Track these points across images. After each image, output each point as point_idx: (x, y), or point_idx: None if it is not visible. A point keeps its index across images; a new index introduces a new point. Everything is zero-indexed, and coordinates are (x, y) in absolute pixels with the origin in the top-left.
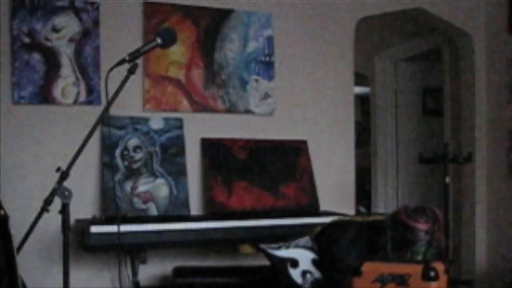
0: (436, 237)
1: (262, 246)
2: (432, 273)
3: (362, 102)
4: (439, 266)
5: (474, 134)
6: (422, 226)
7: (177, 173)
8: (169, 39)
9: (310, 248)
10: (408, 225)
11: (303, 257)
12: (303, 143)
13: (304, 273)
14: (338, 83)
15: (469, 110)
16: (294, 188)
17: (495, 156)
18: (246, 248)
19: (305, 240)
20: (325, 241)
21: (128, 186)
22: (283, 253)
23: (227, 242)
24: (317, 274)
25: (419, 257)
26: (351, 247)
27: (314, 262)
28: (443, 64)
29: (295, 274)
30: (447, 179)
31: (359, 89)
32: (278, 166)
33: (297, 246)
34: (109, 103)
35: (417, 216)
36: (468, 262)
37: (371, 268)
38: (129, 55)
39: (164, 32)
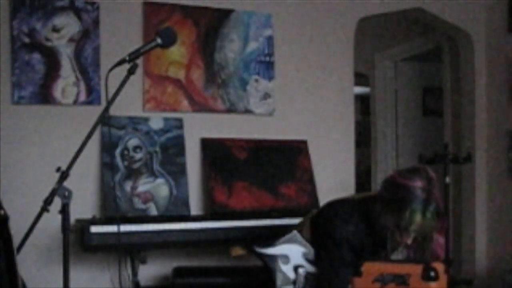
0: (433, 195)
1: (253, 246)
2: (432, 273)
3: (362, 102)
4: (439, 266)
5: (474, 134)
6: (417, 183)
7: (177, 173)
8: (169, 39)
9: (299, 242)
10: (402, 184)
11: (293, 252)
12: (303, 143)
13: (296, 267)
14: (338, 83)
15: (469, 110)
16: (294, 188)
17: (495, 156)
18: (237, 250)
19: (293, 234)
20: (322, 220)
21: (128, 186)
22: (273, 250)
23: (227, 242)
24: (309, 267)
25: (418, 216)
26: (348, 221)
27: (305, 255)
28: (443, 64)
29: (287, 270)
30: (447, 179)
31: (359, 89)
32: (278, 166)
33: (285, 242)
34: (109, 103)
35: (410, 175)
36: (468, 262)
37: (371, 268)
38: (129, 55)
39: (164, 32)
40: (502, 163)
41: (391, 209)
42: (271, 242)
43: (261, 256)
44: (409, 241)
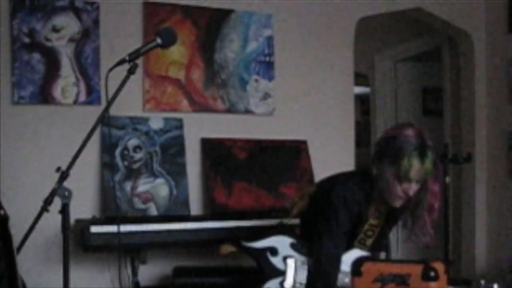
0: (426, 142)
1: (241, 242)
2: (432, 273)
3: (362, 102)
4: (439, 266)
5: (474, 134)
6: (408, 132)
7: (177, 173)
8: (169, 39)
9: (286, 233)
10: (394, 135)
11: (281, 243)
12: (303, 143)
13: (285, 258)
14: (338, 83)
15: (469, 110)
16: (294, 188)
17: (495, 156)
18: (227, 247)
19: (278, 226)
20: (321, 190)
21: (128, 186)
22: (261, 244)
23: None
24: (298, 257)
25: (415, 161)
26: (346, 186)
27: (293, 246)
28: (443, 64)
29: (277, 262)
30: (447, 179)
31: (359, 89)
32: (278, 166)
33: (273, 234)
34: (109, 103)
35: (399, 126)
36: (468, 262)
37: (371, 268)
38: (129, 55)
39: (164, 32)
40: (502, 163)
41: (388, 162)
42: (258, 236)
43: (249, 250)
44: (411, 192)
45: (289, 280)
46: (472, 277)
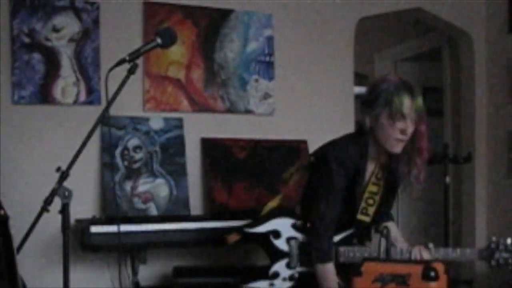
0: (408, 83)
1: (243, 228)
2: (432, 273)
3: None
4: (439, 266)
5: (474, 134)
6: (391, 77)
7: (177, 173)
8: (169, 39)
9: (286, 215)
10: (379, 81)
11: (282, 225)
12: (303, 143)
13: (288, 240)
14: (338, 83)
15: (469, 110)
16: (294, 188)
17: (495, 156)
18: (233, 237)
19: (277, 205)
20: (316, 161)
21: (128, 186)
22: (263, 228)
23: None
24: (300, 237)
25: (406, 98)
26: (343, 146)
27: (294, 226)
28: (443, 64)
29: (280, 244)
30: (447, 179)
31: (359, 89)
32: (278, 166)
33: (273, 217)
34: (109, 103)
35: (382, 76)
36: (468, 262)
37: (371, 268)
38: (129, 55)
39: (164, 32)
40: (502, 163)
41: (380, 106)
42: (259, 221)
43: (253, 236)
44: (409, 130)
45: (294, 260)
46: (472, 277)
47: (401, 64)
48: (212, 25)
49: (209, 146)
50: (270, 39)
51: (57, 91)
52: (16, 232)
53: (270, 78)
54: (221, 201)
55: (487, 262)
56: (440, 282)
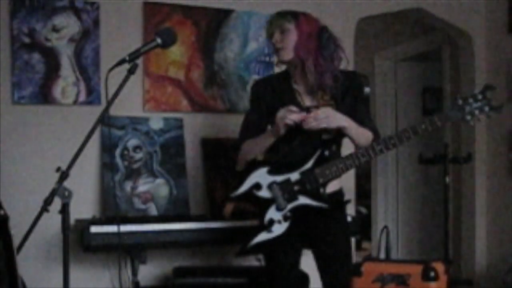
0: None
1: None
2: (432, 273)
3: None
4: (439, 266)
5: (474, 134)
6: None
7: (177, 173)
8: (169, 39)
9: (260, 164)
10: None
11: (260, 176)
12: None
13: (269, 186)
14: None
15: None
16: None
17: (495, 156)
18: (229, 207)
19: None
20: None
21: (128, 186)
22: (245, 186)
23: (227, 242)
24: (279, 178)
25: (270, 21)
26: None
27: (270, 172)
28: (443, 64)
29: (264, 193)
30: (447, 179)
31: None
32: None
33: (250, 172)
34: (109, 103)
35: None
36: (468, 262)
37: (371, 268)
38: (129, 55)
39: (164, 32)
40: (502, 163)
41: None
42: (241, 182)
43: (241, 197)
44: (274, 40)
45: (280, 202)
46: (472, 277)
47: (401, 64)
48: (212, 25)
49: (209, 146)
50: None
51: (57, 91)
52: (16, 232)
53: None
54: (221, 201)
55: (461, 120)
56: (440, 282)
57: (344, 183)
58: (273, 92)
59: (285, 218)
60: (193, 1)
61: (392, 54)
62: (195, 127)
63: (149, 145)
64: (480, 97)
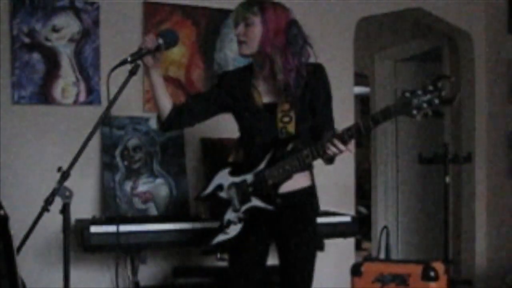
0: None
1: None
2: (432, 273)
3: (362, 102)
4: (439, 266)
5: (474, 134)
6: None
7: (177, 173)
8: (172, 41)
9: (223, 165)
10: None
11: (222, 177)
12: None
13: (228, 188)
14: (338, 83)
15: (469, 110)
16: None
17: (495, 156)
18: (200, 208)
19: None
20: None
21: (128, 186)
22: (210, 188)
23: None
24: (237, 179)
25: (235, 12)
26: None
27: (231, 172)
28: (443, 64)
29: (224, 194)
30: (447, 179)
31: (359, 89)
32: None
33: (214, 174)
34: (110, 103)
35: None
36: (468, 262)
37: (371, 268)
38: (131, 55)
39: (166, 34)
40: (502, 163)
41: None
42: (207, 184)
43: (207, 199)
44: (237, 32)
45: (235, 203)
46: (472, 277)
47: (401, 64)
48: (212, 25)
49: (209, 146)
50: None
51: (57, 91)
52: (16, 232)
53: None
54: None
55: (406, 115)
56: (440, 282)
57: (344, 182)
58: (231, 86)
59: (239, 220)
60: (193, 1)
61: (392, 54)
62: (195, 127)
63: (149, 145)
64: (430, 88)
